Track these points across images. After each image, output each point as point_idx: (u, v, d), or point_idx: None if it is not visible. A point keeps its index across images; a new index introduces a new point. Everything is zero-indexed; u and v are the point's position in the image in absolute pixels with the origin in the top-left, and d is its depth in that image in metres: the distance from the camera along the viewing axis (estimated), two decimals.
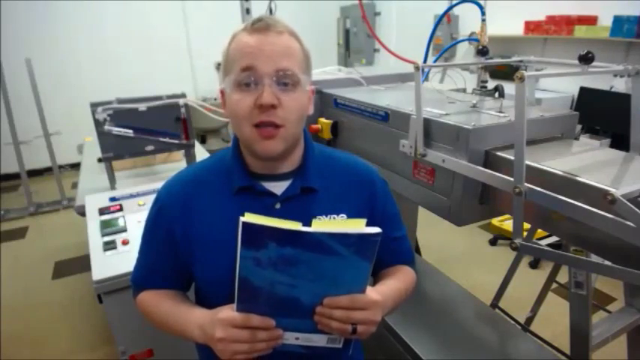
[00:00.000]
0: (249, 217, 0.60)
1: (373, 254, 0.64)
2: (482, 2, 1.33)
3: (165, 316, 0.83)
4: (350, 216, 0.83)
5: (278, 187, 0.80)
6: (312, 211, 0.81)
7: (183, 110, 1.93)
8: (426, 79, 1.70)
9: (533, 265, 2.89)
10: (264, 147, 0.73)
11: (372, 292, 0.70)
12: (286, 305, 0.67)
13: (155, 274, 0.88)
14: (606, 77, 3.12)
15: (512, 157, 0.87)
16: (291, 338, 0.72)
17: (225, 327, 0.67)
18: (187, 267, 0.84)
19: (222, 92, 0.77)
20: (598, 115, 3.09)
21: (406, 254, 0.96)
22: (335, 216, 0.81)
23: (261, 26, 0.71)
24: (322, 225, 0.62)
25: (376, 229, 0.62)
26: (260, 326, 0.67)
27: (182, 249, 0.82)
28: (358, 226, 0.62)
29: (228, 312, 0.69)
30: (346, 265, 0.64)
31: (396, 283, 0.85)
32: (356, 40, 5.90)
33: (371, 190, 0.87)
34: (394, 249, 0.92)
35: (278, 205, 0.79)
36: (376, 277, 0.93)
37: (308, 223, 0.79)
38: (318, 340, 0.73)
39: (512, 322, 1.73)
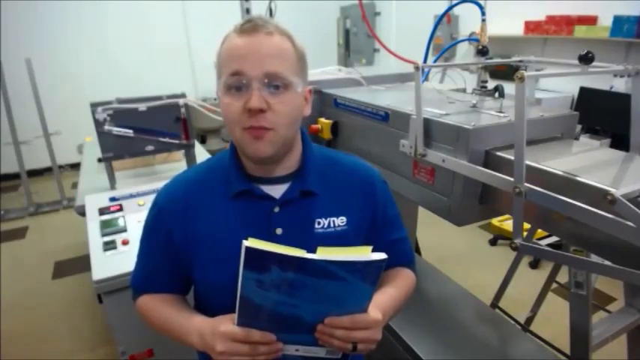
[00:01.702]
0: (252, 242, 0.60)
1: (377, 278, 0.64)
2: (482, 2, 1.33)
3: (164, 322, 0.83)
4: (350, 219, 0.82)
5: (276, 190, 0.80)
6: (312, 214, 0.80)
7: (183, 110, 1.93)
8: (426, 79, 1.70)
9: (533, 265, 2.89)
10: (254, 149, 0.72)
11: (374, 311, 0.70)
12: (287, 322, 0.68)
13: (154, 278, 0.87)
14: (606, 77, 3.12)
15: (512, 157, 0.87)
16: (291, 350, 0.72)
17: (226, 341, 0.67)
18: (186, 270, 0.84)
19: (218, 94, 0.77)
20: (598, 115, 3.09)
21: (407, 256, 0.96)
22: (335, 219, 0.81)
23: (249, 28, 0.70)
24: (327, 252, 0.61)
25: (382, 255, 0.62)
26: (260, 341, 0.67)
27: (181, 252, 0.82)
28: (364, 252, 0.62)
29: (228, 325, 0.68)
30: (350, 288, 0.64)
31: (395, 291, 0.85)
32: (356, 40, 5.90)
33: (372, 193, 0.86)
34: (395, 251, 0.91)
35: (277, 209, 0.79)
36: None
37: (309, 227, 0.79)
38: (318, 352, 0.73)
39: (512, 322, 1.73)
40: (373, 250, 0.67)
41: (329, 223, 0.80)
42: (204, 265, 0.81)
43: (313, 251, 0.65)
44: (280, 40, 0.72)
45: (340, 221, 0.81)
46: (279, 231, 0.78)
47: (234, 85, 0.70)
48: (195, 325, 0.76)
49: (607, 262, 0.81)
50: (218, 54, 0.74)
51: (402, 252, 0.94)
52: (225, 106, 0.72)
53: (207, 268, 0.80)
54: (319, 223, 0.80)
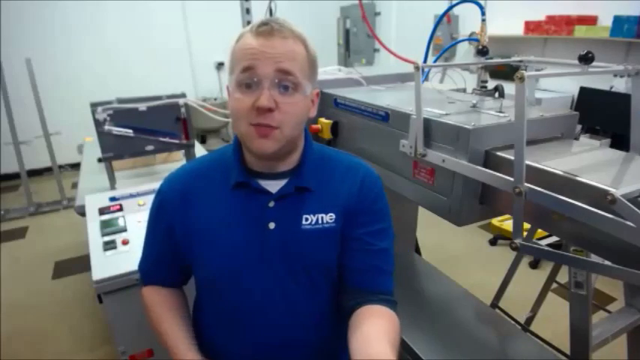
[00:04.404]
0: None
1: None
2: (482, 2, 1.33)
3: (161, 334, 0.87)
4: (338, 215, 0.82)
5: (274, 186, 0.81)
6: (301, 210, 0.81)
7: (183, 110, 1.93)
8: (426, 79, 1.70)
9: (533, 265, 2.89)
10: (258, 145, 0.74)
11: None
12: None
13: (156, 266, 0.92)
14: (606, 77, 3.12)
15: (512, 157, 0.87)
16: None
17: None
18: (186, 262, 0.86)
19: (228, 89, 0.78)
20: (598, 115, 3.09)
21: (386, 281, 0.83)
22: (324, 215, 0.82)
23: (265, 30, 0.71)
24: None
25: None
26: None
27: (181, 244, 0.84)
28: None
29: None
30: None
31: None
32: (356, 40, 5.90)
33: (360, 185, 0.85)
34: (374, 267, 0.82)
35: (272, 204, 0.81)
36: (351, 319, 0.77)
37: (297, 222, 0.81)
38: None
39: (513, 322, 1.73)
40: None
41: (317, 219, 0.81)
42: (200, 255, 0.83)
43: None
44: (294, 44, 0.73)
45: (329, 218, 0.82)
46: (271, 225, 0.80)
47: (245, 81, 0.72)
48: None
49: (607, 262, 0.81)
50: (232, 51, 0.75)
51: (382, 273, 0.83)
52: (234, 101, 0.74)
53: (203, 257, 0.83)
54: (307, 219, 0.81)
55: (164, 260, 0.90)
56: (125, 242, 1.52)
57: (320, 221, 0.81)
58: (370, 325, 0.72)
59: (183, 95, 1.95)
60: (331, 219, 0.82)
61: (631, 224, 0.66)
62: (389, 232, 0.87)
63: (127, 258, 1.44)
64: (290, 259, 0.81)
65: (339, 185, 0.85)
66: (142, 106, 1.85)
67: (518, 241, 0.89)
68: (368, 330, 0.70)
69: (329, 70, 1.85)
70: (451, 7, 1.61)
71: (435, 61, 1.52)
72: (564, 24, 3.40)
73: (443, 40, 4.30)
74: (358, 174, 0.86)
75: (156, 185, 0.89)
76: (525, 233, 1.02)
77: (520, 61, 1.27)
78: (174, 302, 0.92)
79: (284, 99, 0.72)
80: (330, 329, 0.89)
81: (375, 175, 0.89)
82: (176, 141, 1.98)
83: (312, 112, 0.81)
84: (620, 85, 3.14)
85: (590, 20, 3.34)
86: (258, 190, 0.80)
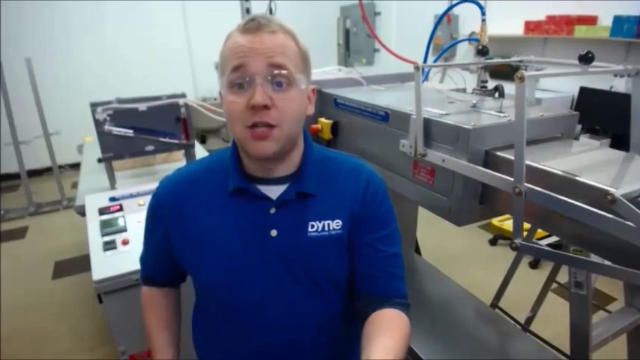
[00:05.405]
0: None
1: None
2: (482, 2, 1.33)
3: (149, 338, 0.95)
4: (344, 222, 0.80)
5: (274, 191, 0.79)
6: (306, 217, 0.79)
7: (183, 110, 1.93)
8: (426, 79, 1.70)
9: (533, 265, 2.89)
10: (257, 148, 0.71)
11: None
12: None
13: (153, 265, 0.94)
14: (606, 77, 3.12)
15: (512, 157, 0.87)
16: None
17: None
18: (182, 265, 0.86)
19: (221, 93, 0.76)
20: (598, 115, 3.09)
21: (399, 285, 0.84)
22: (330, 222, 0.79)
23: (252, 27, 0.69)
24: None
25: None
26: None
27: (177, 248, 0.84)
28: None
29: None
30: None
31: None
32: (356, 40, 5.90)
33: (365, 190, 0.83)
34: (387, 273, 0.82)
35: (273, 210, 0.78)
36: (365, 326, 0.78)
37: (302, 230, 0.79)
38: None
39: (512, 322, 1.73)
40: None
41: (323, 226, 0.79)
42: (198, 259, 0.82)
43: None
44: (283, 38, 0.71)
45: (335, 224, 0.80)
46: (273, 232, 0.78)
47: (236, 81, 0.69)
48: None
49: (607, 262, 0.81)
50: (221, 52, 0.73)
51: (394, 278, 0.84)
52: (227, 104, 0.71)
53: (201, 262, 0.81)
54: (313, 226, 0.79)
55: (161, 260, 0.90)
56: (125, 242, 1.52)
57: (326, 228, 0.79)
58: (380, 340, 0.71)
59: (183, 95, 1.95)
60: (337, 225, 0.80)
61: (631, 224, 0.66)
62: (396, 236, 0.86)
63: (127, 258, 1.44)
64: (292, 263, 0.79)
65: (343, 189, 0.82)
66: (142, 106, 1.85)
67: (518, 241, 0.89)
68: (377, 345, 0.69)
69: (329, 70, 1.85)
70: (451, 7, 1.61)
71: (435, 61, 1.52)
72: (564, 24, 3.40)
73: (443, 40, 4.30)
74: (362, 177, 0.84)
75: (156, 185, 0.88)
76: (525, 233, 1.02)
77: (520, 61, 1.27)
78: (166, 306, 0.96)
79: (279, 95, 0.69)
80: (335, 330, 0.87)
81: (378, 178, 0.87)
82: (176, 141, 1.98)
83: (309, 109, 0.79)
84: (620, 85, 3.14)
85: (590, 20, 3.34)
86: (258, 196, 0.78)
